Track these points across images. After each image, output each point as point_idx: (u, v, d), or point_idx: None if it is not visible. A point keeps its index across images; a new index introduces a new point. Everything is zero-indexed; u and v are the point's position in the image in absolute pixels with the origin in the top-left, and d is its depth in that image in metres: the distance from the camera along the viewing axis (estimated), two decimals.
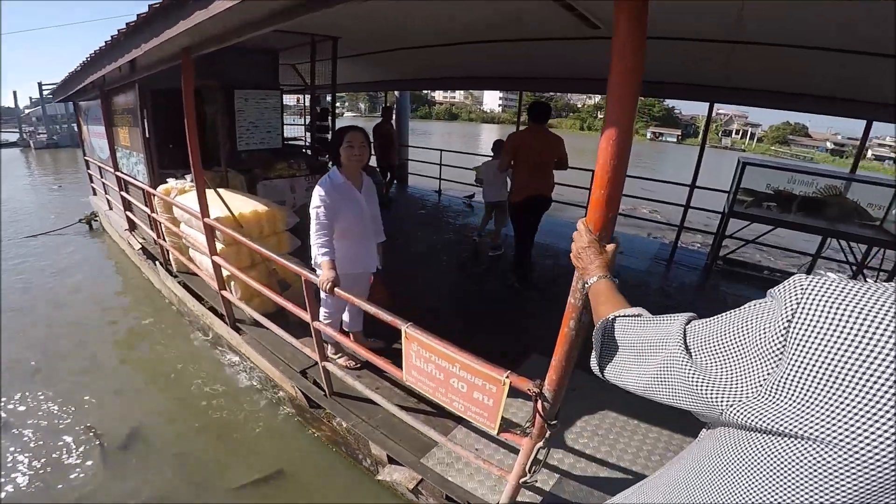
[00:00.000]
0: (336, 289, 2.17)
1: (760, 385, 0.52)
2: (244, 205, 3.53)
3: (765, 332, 0.53)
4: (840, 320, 0.46)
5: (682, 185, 5.47)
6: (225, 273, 3.21)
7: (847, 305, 0.46)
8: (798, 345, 0.48)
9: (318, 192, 2.30)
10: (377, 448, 2.39)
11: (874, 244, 4.00)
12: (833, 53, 3.36)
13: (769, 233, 4.56)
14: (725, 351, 0.57)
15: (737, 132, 74.75)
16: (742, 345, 0.55)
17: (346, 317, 2.90)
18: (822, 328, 0.47)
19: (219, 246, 3.24)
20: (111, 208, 6.68)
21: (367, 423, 2.51)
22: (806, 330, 0.48)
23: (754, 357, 0.53)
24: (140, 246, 5.30)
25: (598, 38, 4.05)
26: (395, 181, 8.29)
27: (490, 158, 5.10)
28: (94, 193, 7.47)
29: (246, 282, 2.95)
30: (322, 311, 2.70)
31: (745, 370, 0.54)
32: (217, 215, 3.24)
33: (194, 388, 3.24)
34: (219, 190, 4.23)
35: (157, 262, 4.72)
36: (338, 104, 7.17)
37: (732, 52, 3.65)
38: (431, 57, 5.52)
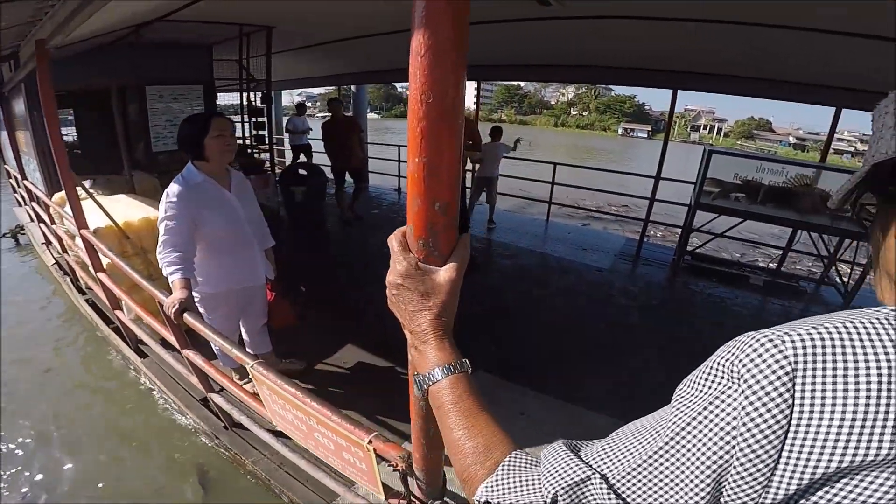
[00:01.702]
0: (187, 314, 1.68)
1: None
2: (137, 212, 3.02)
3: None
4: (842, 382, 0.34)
5: (647, 177, 5.20)
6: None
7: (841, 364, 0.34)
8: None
9: (167, 198, 1.80)
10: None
11: (847, 236, 3.79)
12: (800, 32, 3.13)
13: (738, 226, 4.30)
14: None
15: (704, 127, 76.82)
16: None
17: (246, 337, 2.45)
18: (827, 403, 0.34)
19: (106, 260, 2.73)
20: (31, 220, 6.02)
21: (270, 461, 2.14)
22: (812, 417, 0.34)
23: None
24: (54, 261, 4.72)
25: (553, 19, 3.76)
26: (360, 189, 5.89)
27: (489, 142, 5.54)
28: (19, 204, 6.75)
29: (123, 300, 2.46)
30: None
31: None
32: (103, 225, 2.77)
33: (116, 419, 2.65)
34: (122, 196, 3.74)
35: (68, 278, 4.15)
36: (309, 104, 6.68)
37: (697, 32, 3.38)
38: (383, 47, 5.16)
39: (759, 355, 0.36)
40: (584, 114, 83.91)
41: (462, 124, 0.50)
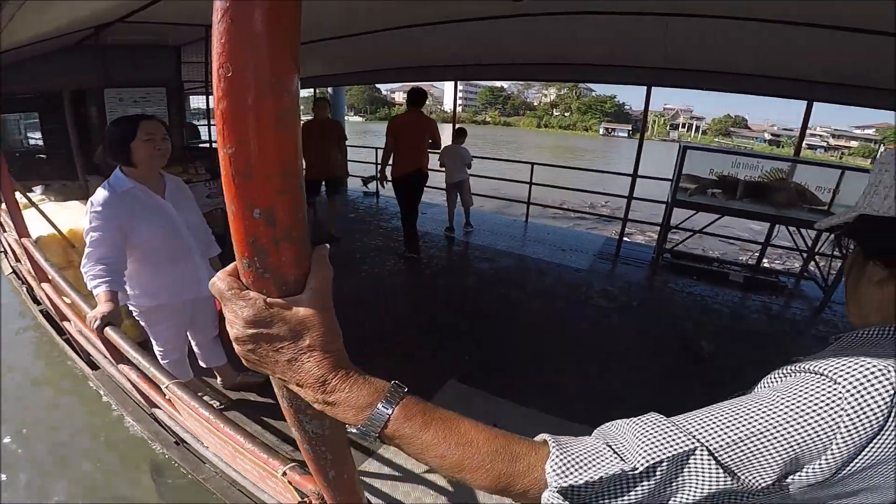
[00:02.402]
0: (108, 329, 1.52)
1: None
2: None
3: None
4: None
5: (624, 175, 5.14)
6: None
7: None
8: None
9: (92, 208, 1.65)
10: None
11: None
12: (770, 25, 3.10)
13: (716, 222, 4.25)
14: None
15: (683, 125, 78.32)
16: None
17: (196, 350, 2.28)
18: None
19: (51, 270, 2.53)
20: None
21: (221, 478, 1.97)
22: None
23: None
24: (11, 270, 4.49)
25: (522, 16, 3.69)
26: (335, 203, 5.12)
27: (450, 144, 5.29)
28: None
29: (67, 312, 2.27)
30: (155, 347, 2.07)
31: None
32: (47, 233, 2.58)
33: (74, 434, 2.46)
34: (74, 202, 3.55)
35: (24, 287, 3.94)
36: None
37: (668, 28, 3.33)
38: (360, 47, 5.11)
39: (875, 377, 0.42)
40: (566, 114, 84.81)
41: (295, 106, 0.36)
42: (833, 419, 0.42)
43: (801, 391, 0.44)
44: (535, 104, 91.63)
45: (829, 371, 0.44)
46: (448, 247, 4.98)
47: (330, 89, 8.75)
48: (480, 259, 4.63)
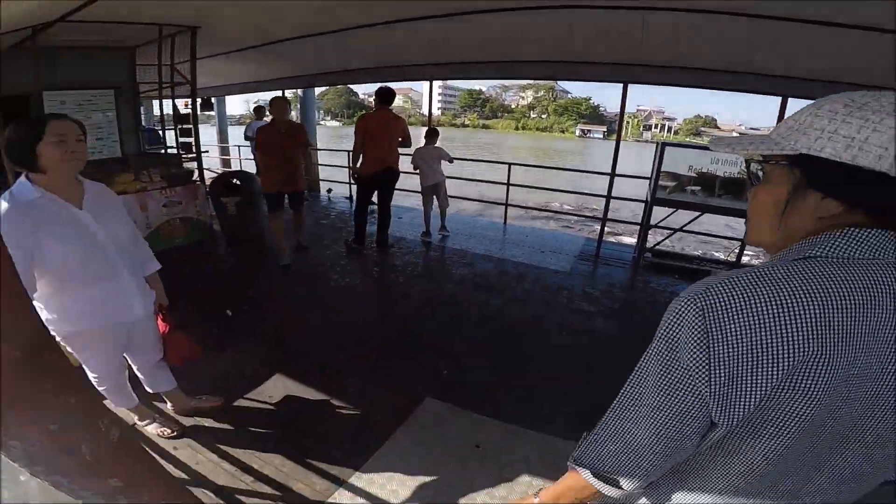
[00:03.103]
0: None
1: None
2: None
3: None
4: (741, 330, 0.50)
5: (601, 174, 5.05)
6: None
7: (738, 316, 0.50)
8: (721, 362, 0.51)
9: None
10: None
11: None
12: (744, 19, 3.02)
13: (696, 219, 4.17)
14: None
15: (656, 126, 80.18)
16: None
17: (139, 375, 2.03)
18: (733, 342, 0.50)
19: None
20: None
21: None
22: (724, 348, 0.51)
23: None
24: None
25: (498, 11, 3.54)
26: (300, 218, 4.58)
27: (423, 145, 5.13)
28: None
29: None
30: (88, 374, 1.81)
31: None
32: None
33: None
34: None
35: None
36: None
37: (645, 22, 3.23)
38: (331, 46, 4.89)
39: (681, 311, 0.53)
40: (543, 116, 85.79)
41: None
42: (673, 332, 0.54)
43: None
44: (513, 107, 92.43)
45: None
46: (424, 252, 4.77)
47: (299, 91, 8.42)
48: (458, 264, 4.44)
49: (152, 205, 4.49)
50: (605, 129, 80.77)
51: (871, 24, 2.75)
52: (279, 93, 8.08)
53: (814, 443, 0.53)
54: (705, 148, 4.05)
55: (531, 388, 2.51)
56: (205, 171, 5.33)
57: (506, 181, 5.84)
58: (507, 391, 2.47)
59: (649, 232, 4.40)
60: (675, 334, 0.54)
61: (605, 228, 5.11)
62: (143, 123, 6.64)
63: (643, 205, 4.83)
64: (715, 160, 3.77)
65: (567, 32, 3.78)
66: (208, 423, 2.16)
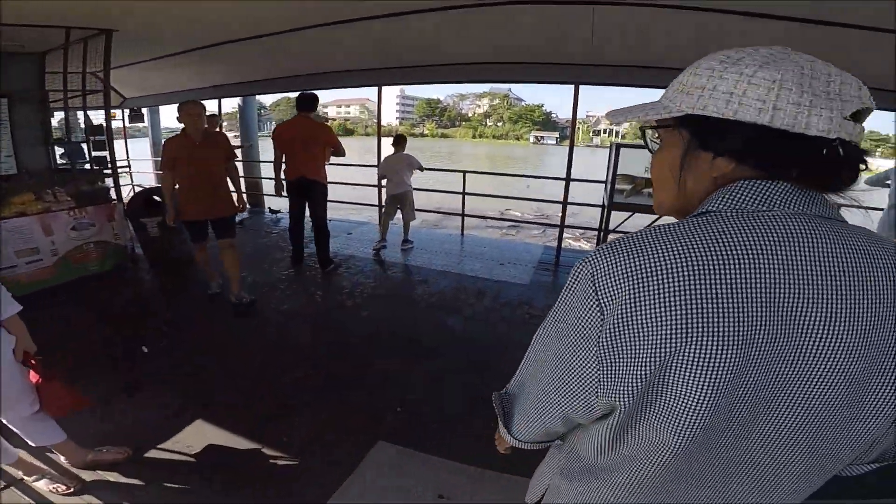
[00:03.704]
0: None
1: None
2: None
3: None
4: (632, 291, 0.46)
5: (557, 179, 4.90)
6: None
7: (633, 276, 0.46)
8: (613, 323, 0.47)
9: None
10: None
11: None
12: (690, 13, 2.93)
13: (654, 222, 4.07)
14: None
15: (605, 131, 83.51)
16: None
17: (15, 430, 1.67)
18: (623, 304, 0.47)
19: None
20: None
21: None
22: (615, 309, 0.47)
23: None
24: None
25: (445, 10, 3.30)
26: (229, 253, 3.48)
27: (392, 153, 4.91)
28: None
29: None
30: None
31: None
32: None
33: None
34: None
35: None
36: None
37: (595, 18, 3.08)
38: (273, 50, 4.54)
39: (576, 275, 0.52)
40: (498, 124, 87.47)
41: None
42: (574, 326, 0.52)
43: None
44: (470, 115, 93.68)
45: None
46: (376, 270, 4.41)
47: (239, 100, 7.86)
48: (413, 282, 4.11)
49: (58, 228, 3.87)
50: (558, 136, 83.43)
51: (813, 18, 2.72)
52: (213, 104, 7.52)
53: (725, 431, 0.48)
54: None
55: (495, 421, 2.22)
56: (125, 187, 4.74)
57: (461, 190, 5.59)
58: (470, 427, 2.16)
59: (607, 237, 4.26)
60: (571, 298, 0.52)
61: (564, 235, 4.97)
62: (64, 136, 5.87)
63: (600, 209, 4.73)
64: None
65: (517, 32, 3.61)
66: (113, 477, 1.83)
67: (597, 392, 0.49)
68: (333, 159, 4.37)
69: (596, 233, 4.96)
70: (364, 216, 7.21)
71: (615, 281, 0.46)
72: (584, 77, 4.07)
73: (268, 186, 7.39)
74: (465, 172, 5.61)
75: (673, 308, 0.43)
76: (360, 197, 6.90)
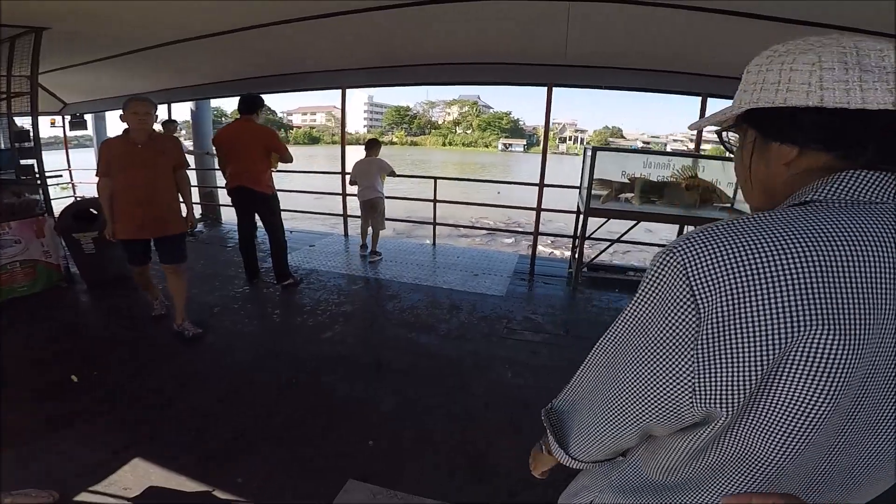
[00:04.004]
0: None
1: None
2: None
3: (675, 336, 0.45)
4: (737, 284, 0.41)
5: (530, 185, 4.75)
6: None
7: (738, 264, 0.42)
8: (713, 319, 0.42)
9: None
10: None
11: None
12: (667, 12, 2.83)
13: (633, 228, 3.95)
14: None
15: (570, 138, 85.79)
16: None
17: None
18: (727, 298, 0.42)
19: None
20: None
21: None
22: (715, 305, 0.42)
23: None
24: None
25: (413, 5, 3.08)
26: (179, 281, 3.04)
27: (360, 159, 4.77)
28: None
29: None
30: None
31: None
32: None
33: None
34: None
35: None
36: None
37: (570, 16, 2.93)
38: (225, 51, 4.25)
39: (662, 267, 0.46)
40: (468, 132, 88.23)
41: None
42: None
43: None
44: (440, 123, 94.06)
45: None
46: (341, 286, 4.09)
47: (192, 105, 7.36)
48: (383, 297, 3.83)
49: None
50: (525, 143, 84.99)
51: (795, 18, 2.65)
52: (162, 110, 6.99)
53: (835, 434, 0.45)
54: (636, 151, 3.88)
55: (480, 450, 1.98)
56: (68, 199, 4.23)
57: (432, 198, 5.35)
58: (452, 460, 1.91)
59: (583, 244, 4.11)
60: (653, 296, 0.47)
61: (538, 242, 4.81)
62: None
63: (574, 216, 4.60)
64: (647, 164, 3.57)
65: (488, 31, 3.43)
66: None
67: (691, 402, 0.45)
68: (291, 166, 4.09)
69: (570, 240, 4.83)
70: (329, 226, 6.87)
71: (715, 273, 0.42)
72: (556, 78, 3.94)
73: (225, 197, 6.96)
74: (435, 179, 5.37)
75: (787, 300, 0.40)
76: (326, 207, 6.57)
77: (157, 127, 3.79)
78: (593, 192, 3.66)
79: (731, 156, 0.60)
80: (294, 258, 4.66)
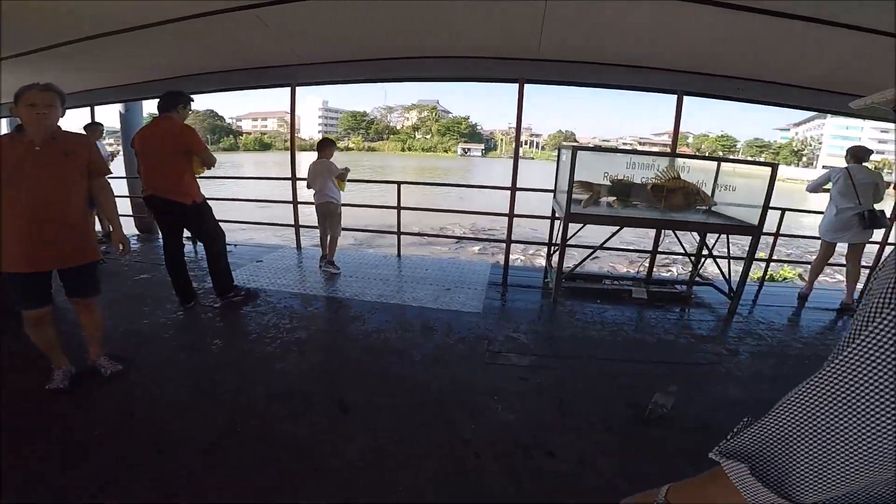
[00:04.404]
0: None
1: None
2: None
3: None
4: None
5: (502, 189, 4.44)
6: None
7: None
8: None
9: None
10: None
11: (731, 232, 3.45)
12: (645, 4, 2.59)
13: (616, 234, 3.69)
14: None
15: (526, 142, 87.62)
16: None
17: None
18: None
19: None
20: None
21: None
22: None
23: None
24: None
25: None
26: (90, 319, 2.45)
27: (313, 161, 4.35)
28: None
29: None
30: None
31: None
32: None
33: None
34: None
35: None
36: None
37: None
38: (155, 44, 3.73)
39: None
40: (427, 136, 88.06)
41: None
42: None
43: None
44: (399, 128, 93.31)
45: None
46: (295, 306, 3.56)
47: (121, 108, 6.52)
48: (343, 320, 3.35)
49: None
50: (483, 147, 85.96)
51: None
52: (84, 113, 6.11)
53: None
54: (616, 151, 3.65)
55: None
56: None
57: (396, 205, 4.92)
58: None
59: (564, 251, 3.81)
60: None
61: (511, 250, 4.50)
62: None
63: (548, 222, 4.32)
64: (631, 164, 3.34)
65: (458, 20, 3.08)
66: None
67: None
68: (217, 171, 3.56)
69: (541, 247, 4.56)
70: (282, 238, 6.27)
71: None
72: (528, 72, 3.65)
73: None
74: (399, 184, 4.94)
75: None
76: (277, 217, 5.97)
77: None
78: (577, 196, 3.38)
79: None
80: (240, 276, 4.09)
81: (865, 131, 57.57)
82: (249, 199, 5.69)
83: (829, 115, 57.45)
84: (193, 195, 3.24)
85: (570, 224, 3.40)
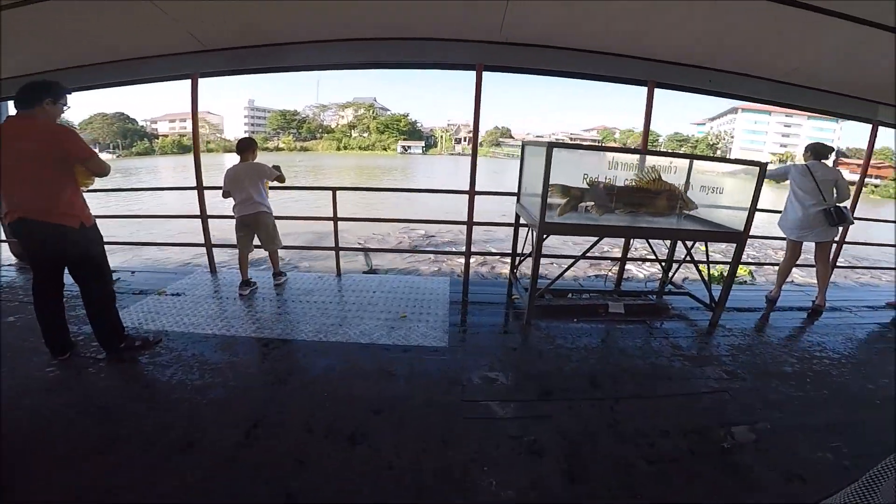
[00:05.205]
0: None
1: None
2: None
3: None
4: None
5: (459, 193, 3.90)
6: None
7: None
8: None
9: None
10: None
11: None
12: None
13: (595, 245, 3.27)
14: None
15: (465, 139, 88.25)
16: None
17: None
18: None
19: None
20: None
21: None
22: None
23: None
24: None
25: None
26: None
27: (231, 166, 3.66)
28: None
29: None
30: None
31: None
32: None
33: None
34: None
35: None
36: None
37: None
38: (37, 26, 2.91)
39: None
40: (364, 135, 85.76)
41: None
42: None
43: None
44: (333, 126, 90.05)
45: None
46: (207, 353, 2.75)
47: None
48: (273, 371, 2.61)
49: None
50: (424, 144, 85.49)
51: None
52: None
53: None
54: (594, 148, 3.23)
55: None
56: None
57: (332, 216, 4.20)
58: None
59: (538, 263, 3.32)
60: None
61: (470, 261, 3.98)
62: None
63: (513, 230, 3.84)
64: (613, 164, 2.92)
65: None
66: None
67: None
68: (110, 181, 2.68)
69: (499, 257, 4.09)
70: (189, 258, 5.27)
71: None
72: (488, 57, 3.13)
73: None
74: (334, 190, 4.20)
75: None
76: (179, 234, 4.98)
77: None
78: (552, 201, 2.89)
79: None
80: (136, 315, 3.18)
81: (771, 125, 64.38)
82: (151, 214, 4.66)
83: (740, 111, 63.39)
84: (81, 215, 2.40)
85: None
